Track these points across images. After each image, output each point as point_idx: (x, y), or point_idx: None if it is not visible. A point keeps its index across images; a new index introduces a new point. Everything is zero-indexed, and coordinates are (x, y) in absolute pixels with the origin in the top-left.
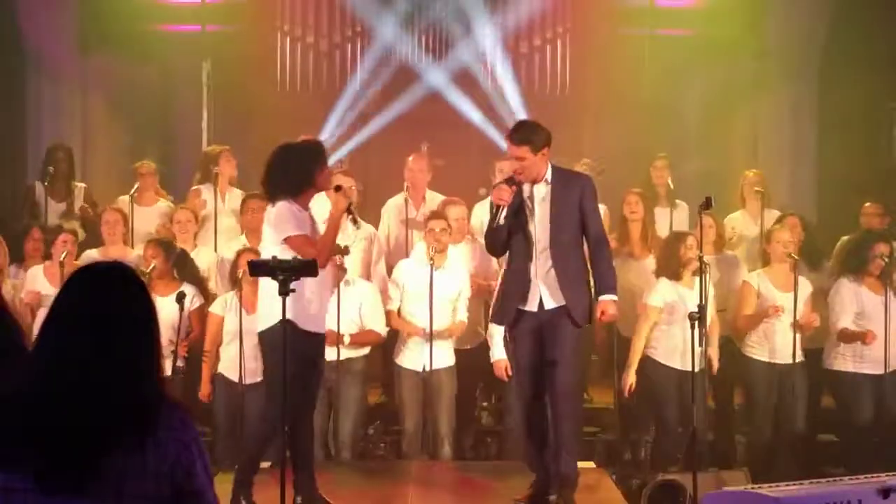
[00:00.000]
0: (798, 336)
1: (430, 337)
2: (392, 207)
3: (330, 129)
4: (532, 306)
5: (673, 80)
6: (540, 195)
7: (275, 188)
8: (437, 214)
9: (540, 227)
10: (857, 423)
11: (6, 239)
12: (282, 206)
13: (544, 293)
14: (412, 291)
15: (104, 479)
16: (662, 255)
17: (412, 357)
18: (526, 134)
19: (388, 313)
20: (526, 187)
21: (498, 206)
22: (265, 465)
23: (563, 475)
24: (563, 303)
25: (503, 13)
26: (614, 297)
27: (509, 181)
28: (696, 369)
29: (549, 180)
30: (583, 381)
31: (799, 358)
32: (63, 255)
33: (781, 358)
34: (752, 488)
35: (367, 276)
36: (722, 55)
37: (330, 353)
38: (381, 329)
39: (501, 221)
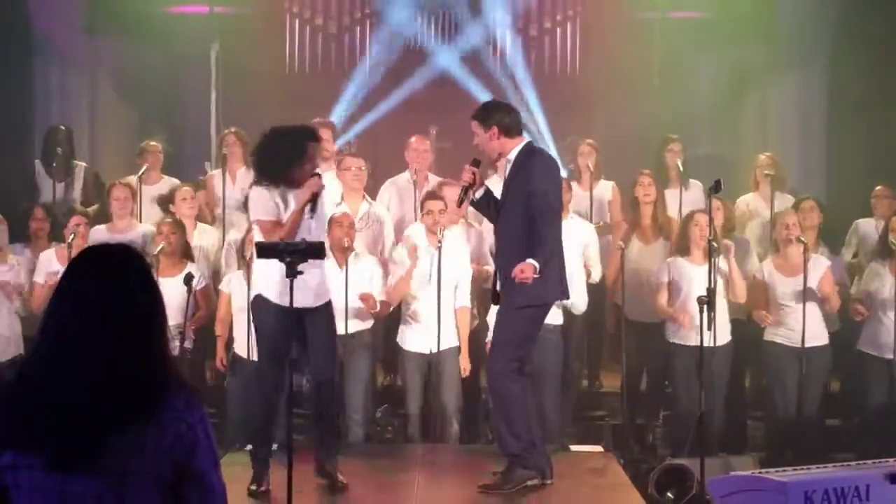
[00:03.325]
0: (809, 320)
1: (438, 318)
2: (393, 185)
3: (339, 111)
4: (498, 285)
5: (683, 63)
6: (505, 175)
7: (258, 172)
8: (432, 195)
9: (500, 206)
10: (871, 407)
11: (14, 219)
12: (254, 191)
13: (498, 272)
14: (416, 277)
15: (107, 458)
16: (678, 233)
17: (416, 339)
18: (478, 110)
19: (389, 288)
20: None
21: (463, 186)
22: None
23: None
24: (503, 282)
25: None
26: (533, 262)
27: (474, 162)
28: (705, 354)
29: (512, 160)
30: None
31: (816, 342)
32: (71, 237)
33: (797, 341)
34: (760, 473)
35: (373, 253)
36: (733, 38)
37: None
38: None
39: (473, 198)
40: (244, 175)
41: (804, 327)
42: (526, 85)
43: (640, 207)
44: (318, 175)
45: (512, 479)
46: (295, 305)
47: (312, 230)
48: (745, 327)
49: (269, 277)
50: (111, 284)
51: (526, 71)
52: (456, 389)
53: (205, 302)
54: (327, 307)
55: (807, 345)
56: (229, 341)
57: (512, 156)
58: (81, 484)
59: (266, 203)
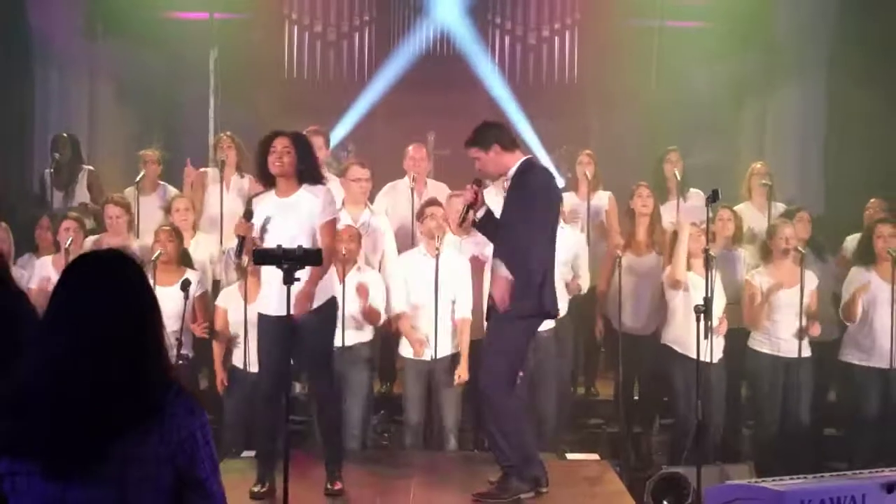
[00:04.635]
0: (803, 330)
1: (435, 325)
2: (392, 190)
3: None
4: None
5: (681, 72)
6: (504, 194)
7: None
8: (432, 202)
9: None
10: (864, 417)
11: (16, 226)
12: None
13: None
14: (415, 286)
15: (108, 465)
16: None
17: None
18: (472, 137)
19: (398, 316)
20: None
21: (465, 205)
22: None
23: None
24: None
25: (512, 4)
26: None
27: (476, 181)
28: (703, 361)
29: (511, 177)
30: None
31: (805, 352)
32: (68, 243)
33: (786, 352)
34: (756, 482)
35: (371, 262)
36: (731, 47)
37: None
38: (382, 311)
39: (475, 218)
40: (237, 181)
41: (800, 337)
42: (524, 93)
43: (636, 219)
44: (250, 213)
45: (507, 489)
46: (280, 315)
47: (286, 236)
48: (743, 338)
49: (262, 290)
50: (106, 291)
51: (524, 79)
52: (455, 403)
53: (202, 310)
54: (316, 314)
55: (794, 355)
56: (226, 359)
57: (511, 173)
58: (82, 491)
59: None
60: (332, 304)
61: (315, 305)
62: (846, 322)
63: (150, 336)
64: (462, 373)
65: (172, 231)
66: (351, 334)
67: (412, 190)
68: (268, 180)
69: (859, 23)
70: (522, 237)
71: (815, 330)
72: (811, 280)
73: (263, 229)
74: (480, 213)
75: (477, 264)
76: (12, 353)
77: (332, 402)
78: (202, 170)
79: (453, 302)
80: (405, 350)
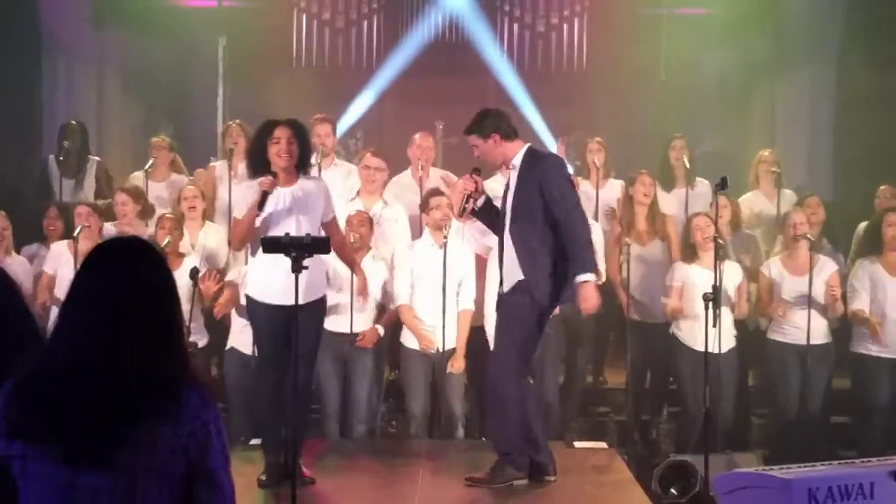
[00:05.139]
0: (812, 318)
1: (444, 316)
2: (397, 185)
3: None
4: (503, 288)
5: (690, 59)
6: (511, 180)
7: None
8: (435, 192)
9: (506, 211)
10: (874, 406)
11: (23, 215)
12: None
13: (504, 275)
14: (421, 276)
15: (120, 453)
16: (683, 240)
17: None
18: (471, 124)
19: (400, 308)
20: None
21: (465, 196)
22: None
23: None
24: (514, 284)
25: None
26: (587, 278)
27: (475, 170)
28: (711, 350)
29: (517, 165)
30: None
31: (819, 340)
32: (78, 231)
33: (801, 339)
34: (764, 470)
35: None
36: (740, 34)
37: (343, 326)
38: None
39: (474, 208)
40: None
41: (809, 325)
42: (532, 80)
43: (636, 207)
44: (274, 174)
45: (499, 475)
46: (277, 303)
47: (303, 226)
48: (750, 324)
49: (252, 276)
50: (124, 277)
51: (532, 66)
52: (461, 391)
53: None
54: (313, 305)
55: (814, 343)
56: (227, 332)
57: (516, 161)
58: (94, 477)
59: (242, 198)
60: (324, 299)
61: (312, 299)
62: (853, 321)
63: (167, 325)
64: (456, 363)
65: (177, 220)
66: (359, 320)
67: (419, 179)
68: (262, 170)
69: (869, 8)
70: (543, 227)
71: (837, 293)
72: (829, 265)
73: (273, 219)
74: (480, 202)
75: (479, 259)
76: (9, 347)
77: (305, 394)
78: (211, 164)
79: (456, 292)
80: (409, 341)
